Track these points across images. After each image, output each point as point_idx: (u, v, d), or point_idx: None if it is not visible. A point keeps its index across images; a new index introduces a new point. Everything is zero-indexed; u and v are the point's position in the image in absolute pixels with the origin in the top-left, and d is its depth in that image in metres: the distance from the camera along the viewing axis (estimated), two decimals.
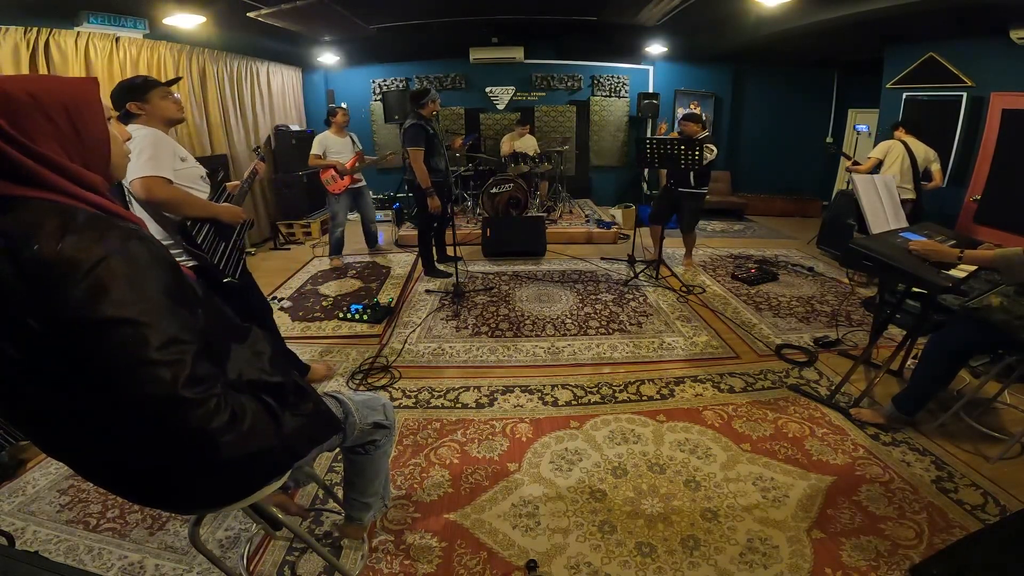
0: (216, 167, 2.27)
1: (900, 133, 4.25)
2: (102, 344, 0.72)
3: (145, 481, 0.93)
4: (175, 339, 0.76)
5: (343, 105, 4.98)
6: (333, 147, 4.71)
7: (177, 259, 1.98)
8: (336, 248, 5.03)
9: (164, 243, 1.94)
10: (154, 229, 2.03)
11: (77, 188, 0.80)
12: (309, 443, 1.08)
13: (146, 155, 1.89)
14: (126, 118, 2.00)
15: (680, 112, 7.04)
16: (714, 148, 4.38)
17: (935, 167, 4.17)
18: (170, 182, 1.94)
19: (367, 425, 1.40)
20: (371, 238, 5.43)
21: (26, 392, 0.80)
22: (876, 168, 4.22)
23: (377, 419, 1.43)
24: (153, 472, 0.89)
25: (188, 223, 2.01)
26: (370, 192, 5.20)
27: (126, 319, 0.72)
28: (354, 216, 5.50)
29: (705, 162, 4.20)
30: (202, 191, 2.15)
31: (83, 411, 0.81)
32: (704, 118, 7.60)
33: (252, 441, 0.83)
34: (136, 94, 1.99)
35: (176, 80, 2.46)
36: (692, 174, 4.34)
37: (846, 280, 4.56)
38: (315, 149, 4.69)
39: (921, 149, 4.12)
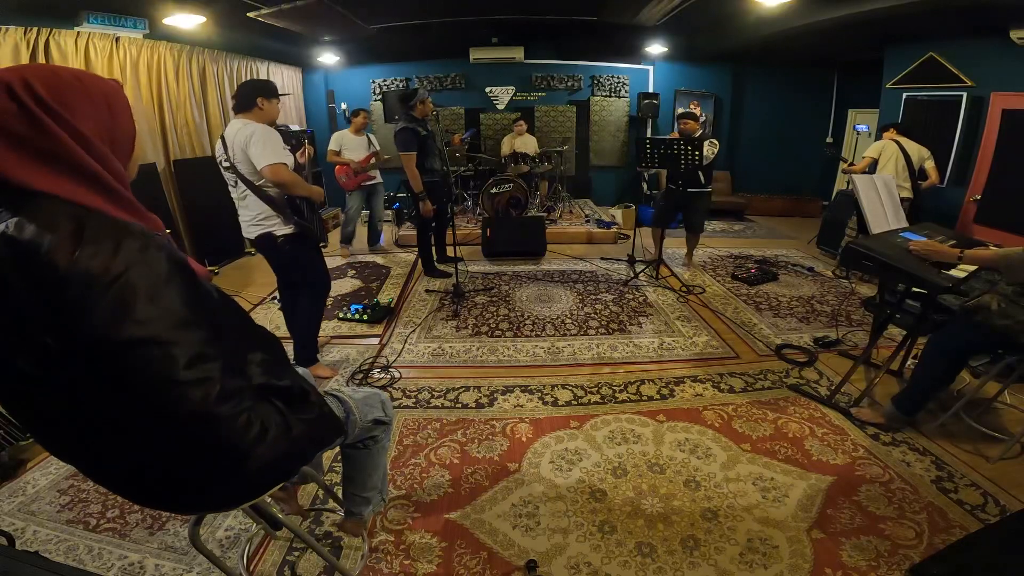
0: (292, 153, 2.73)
1: (892, 134, 4.27)
2: (128, 365, 0.70)
3: (158, 487, 0.92)
4: (202, 355, 0.74)
5: (365, 108, 5.32)
6: (348, 145, 4.99)
7: (278, 229, 2.49)
8: (347, 239, 5.36)
9: (263, 220, 2.47)
10: (258, 209, 2.45)
11: (103, 172, 0.77)
12: (315, 447, 1.08)
13: (271, 146, 2.29)
14: (244, 109, 2.39)
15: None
16: (716, 142, 4.38)
17: (929, 165, 4.18)
18: (288, 167, 2.33)
19: (367, 422, 1.41)
20: (375, 236, 5.60)
21: (43, 405, 0.78)
22: (871, 167, 4.23)
23: (377, 415, 1.44)
24: (168, 479, 0.89)
25: (298, 201, 2.45)
26: (381, 193, 5.46)
27: (151, 339, 0.70)
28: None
29: (710, 158, 4.21)
30: None
31: (103, 426, 0.80)
32: (704, 118, 7.67)
33: (276, 448, 0.83)
34: (267, 92, 2.42)
35: (286, 94, 3.27)
36: (701, 172, 4.34)
37: (830, 273, 4.65)
38: (332, 145, 5.02)
39: (914, 148, 4.14)
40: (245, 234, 2.57)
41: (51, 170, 0.73)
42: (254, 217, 2.48)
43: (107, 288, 0.68)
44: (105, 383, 0.73)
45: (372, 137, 5.20)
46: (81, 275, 0.67)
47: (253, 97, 2.37)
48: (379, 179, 5.28)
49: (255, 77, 5.98)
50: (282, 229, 2.48)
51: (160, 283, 0.73)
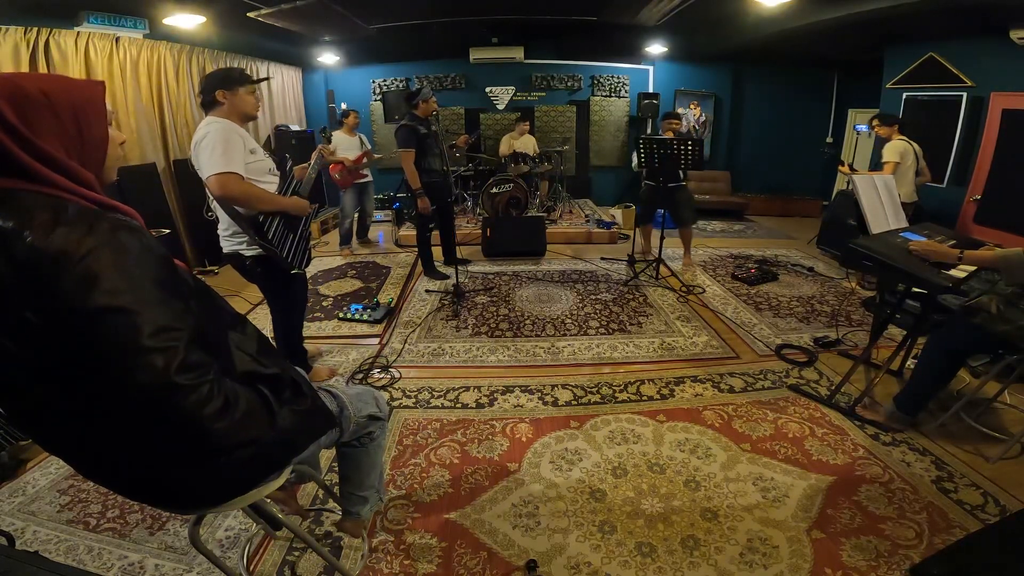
0: (283, 156, 2.44)
1: (895, 132, 4.18)
2: (95, 333, 0.73)
3: (144, 478, 0.93)
4: (167, 327, 0.77)
5: (355, 109, 5.49)
6: (342, 145, 5.12)
7: (245, 249, 2.12)
8: (346, 239, 5.48)
9: (232, 235, 2.20)
10: (226, 222, 2.17)
11: (72, 184, 0.82)
12: (306, 437, 1.09)
13: (219, 151, 1.92)
14: (209, 106, 2.07)
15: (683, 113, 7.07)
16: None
17: (923, 163, 4.16)
18: (243, 178, 1.99)
19: (362, 418, 1.41)
20: (363, 229, 5.80)
21: (26, 389, 0.80)
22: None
23: (371, 411, 1.44)
24: (152, 468, 0.90)
25: (260, 218, 2.10)
26: (374, 190, 5.68)
27: (117, 307, 0.73)
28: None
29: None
30: (270, 183, 2.19)
31: (81, 406, 0.81)
32: (704, 118, 7.67)
33: (246, 429, 0.84)
34: (228, 84, 2.06)
35: (266, 79, 2.71)
36: (681, 168, 4.38)
37: (853, 284, 4.41)
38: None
39: (919, 149, 4.10)
40: (222, 248, 2.29)
41: (21, 180, 0.77)
42: (223, 231, 2.21)
43: (78, 262, 0.73)
44: (77, 356, 0.76)
45: (364, 137, 5.39)
46: (55, 252, 0.73)
47: (211, 92, 2.05)
48: (370, 177, 5.48)
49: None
50: (250, 249, 2.19)
51: (130, 260, 0.78)
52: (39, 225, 0.74)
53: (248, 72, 2.64)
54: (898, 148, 4.06)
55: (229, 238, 2.23)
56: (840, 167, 4.55)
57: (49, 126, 0.80)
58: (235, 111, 2.09)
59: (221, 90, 2.06)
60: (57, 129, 0.81)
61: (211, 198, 2.15)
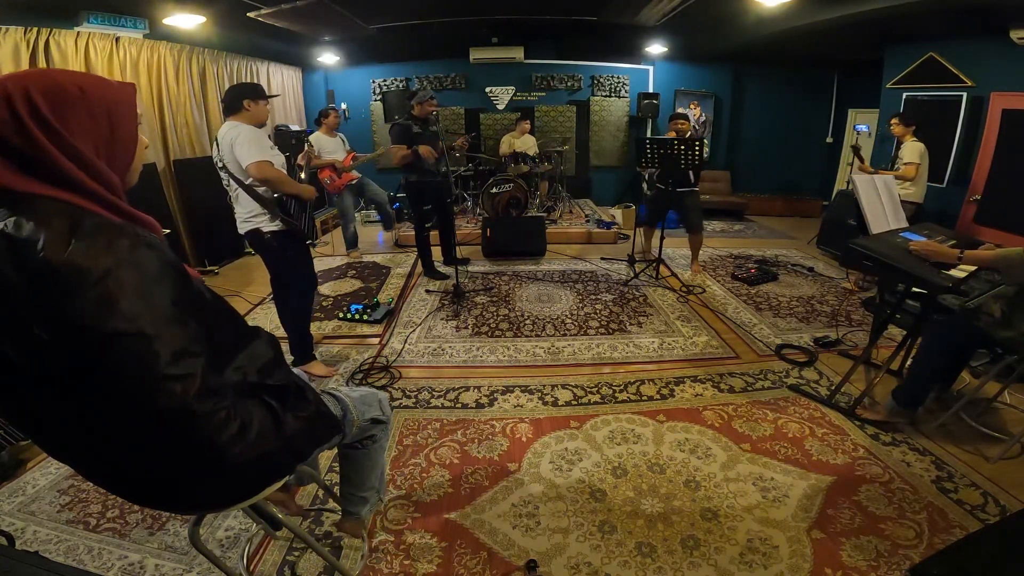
0: (288, 153, 2.78)
1: (909, 133, 4.15)
2: (112, 357, 0.72)
3: (149, 485, 0.93)
4: (185, 351, 0.76)
5: (334, 107, 5.21)
6: (327, 147, 4.82)
7: (266, 225, 2.57)
8: (352, 242, 5.30)
9: (254, 217, 2.55)
10: (248, 206, 2.54)
11: (95, 184, 0.79)
12: (311, 444, 1.09)
13: (255, 145, 2.41)
14: (233, 111, 2.48)
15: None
16: (705, 142, 4.40)
17: None
18: (273, 164, 2.45)
19: (365, 421, 1.41)
20: (388, 220, 5.60)
21: (30, 397, 0.79)
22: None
23: (374, 415, 1.43)
24: (158, 477, 0.90)
25: (283, 198, 2.56)
26: (370, 181, 5.31)
27: (136, 333, 0.72)
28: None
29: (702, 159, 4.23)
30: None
31: (88, 419, 0.81)
32: (704, 118, 7.68)
33: (257, 447, 0.84)
34: (253, 94, 2.51)
35: (276, 95, 3.27)
36: (692, 172, 4.33)
37: (852, 284, 4.37)
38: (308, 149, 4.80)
39: None
40: (239, 230, 2.66)
41: (43, 182, 0.75)
42: (245, 214, 2.57)
43: (96, 282, 0.70)
44: (89, 375, 0.74)
45: (344, 137, 5.07)
46: (72, 269, 0.70)
47: (240, 99, 2.47)
48: (358, 175, 5.15)
49: (255, 78, 6.02)
50: (269, 226, 2.57)
51: (149, 280, 0.75)
52: (54, 236, 0.71)
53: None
54: (919, 149, 4.05)
55: (251, 219, 2.57)
56: (863, 166, 4.53)
57: (82, 123, 0.78)
58: (254, 118, 2.50)
59: (248, 99, 2.47)
60: (90, 127, 0.80)
61: (233, 187, 2.51)
